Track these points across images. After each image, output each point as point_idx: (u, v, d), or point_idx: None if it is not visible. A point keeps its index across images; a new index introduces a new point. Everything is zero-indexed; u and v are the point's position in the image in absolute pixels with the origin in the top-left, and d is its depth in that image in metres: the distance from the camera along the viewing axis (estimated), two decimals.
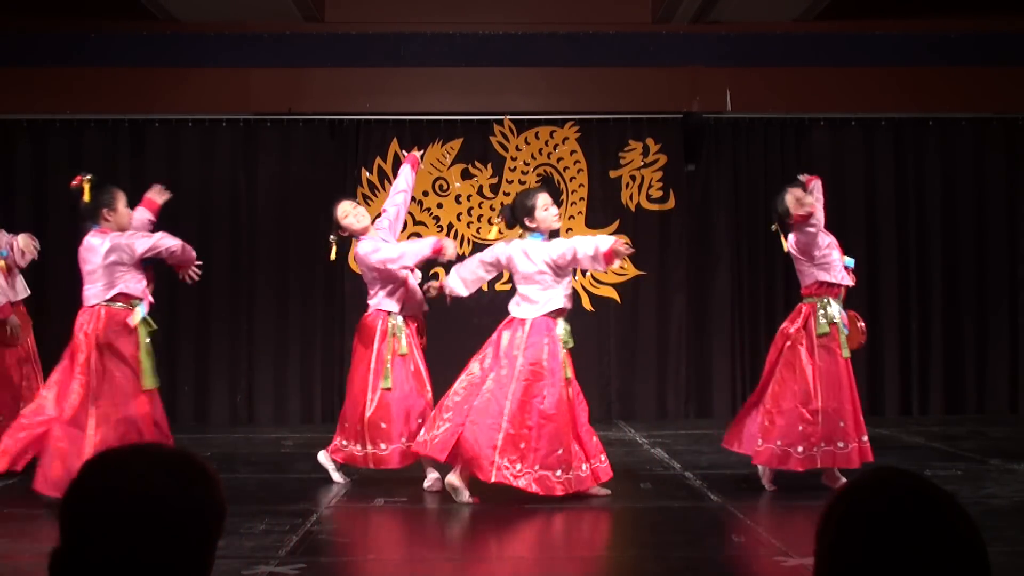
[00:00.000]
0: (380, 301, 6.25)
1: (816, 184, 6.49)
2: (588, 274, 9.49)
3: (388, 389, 6.11)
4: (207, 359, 9.61)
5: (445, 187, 9.71)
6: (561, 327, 5.88)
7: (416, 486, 6.13)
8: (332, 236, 6.48)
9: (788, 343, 6.05)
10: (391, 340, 6.17)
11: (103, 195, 5.91)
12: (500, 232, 6.85)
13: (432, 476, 6.15)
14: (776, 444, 5.91)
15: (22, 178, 9.62)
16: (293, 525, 5.14)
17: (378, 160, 9.67)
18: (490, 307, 9.57)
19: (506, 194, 9.71)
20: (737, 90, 9.72)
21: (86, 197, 5.90)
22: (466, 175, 9.74)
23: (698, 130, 9.77)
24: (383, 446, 6.07)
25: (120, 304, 5.83)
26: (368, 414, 6.10)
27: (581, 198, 9.74)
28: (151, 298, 6.00)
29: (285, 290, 9.71)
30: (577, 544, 5.33)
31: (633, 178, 9.80)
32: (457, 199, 9.76)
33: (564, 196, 9.69)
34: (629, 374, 9.75)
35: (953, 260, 9.88)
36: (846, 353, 5.98)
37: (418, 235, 9.42)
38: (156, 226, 6.31)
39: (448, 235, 9.54)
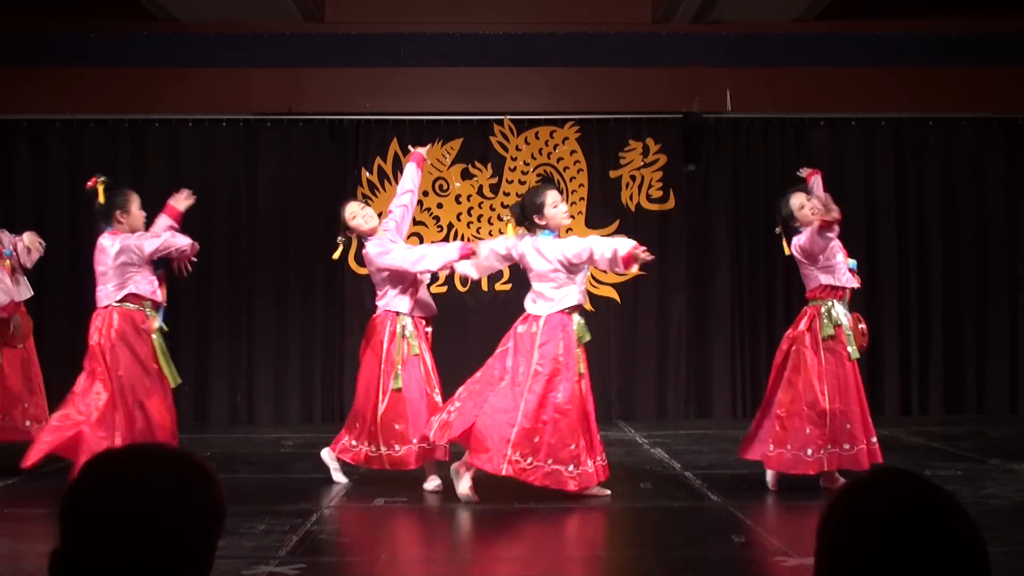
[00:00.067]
0: (389, 302, 6.22)
1: (817, 180, 6.48)
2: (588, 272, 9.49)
3: (398, 390, 6.06)
4: (207, 359, 9.61)
5: (445, 187, 9.71)
6: (576, 322, 5.88)
7: (416, 486, 6.13)
8: (340, 237, 6.47)
9: (793, 347, 6.04)
10: (400, 341, 6.14)
11: (117, 197, 5.97)
12: (515, 229, 6.86)
13: (434, 481, 6.14)
14: (787, 448, 5.89)
15: (22, 178, 9.63)
16: (293, 525, 5.14)
17: (378, 160, 9.67)
18: (490, 307, 9.59)
19: (506, 194, 9.71)
20: (737, 90, 9.72)
21: (100, 199, 5.95)
22: (466, 175, 9.75)
23: (698, 130, 9.77)
24: (397, 447, 6.04)
25: (132, 305, 5.87)
26: (379, 415, 6.07)
27: (581, 198, 9.74)
28: (163, 300, 6.03)
29: (285, 290, 9.71)
30: (577, 544, 5.33)
31: (633, 178, 9.81)
32: (457, 199, 9.76)
33: (564, 196, 9.68)
34: (629, 374, 9.75)
35: (953, 260, 9.88)
36: (854, 355, 5.95)
37: (418, 235, 9.43)
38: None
39: (448, 235, 9.54)
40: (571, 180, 9.72)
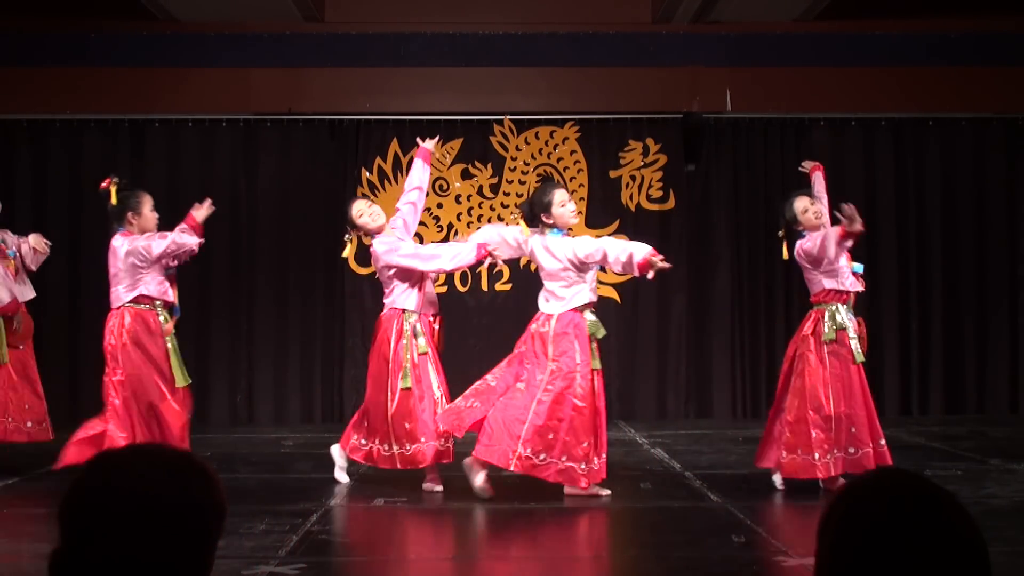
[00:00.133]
0: (395, 299, 6.19)
1: (819, 177, 6.43)
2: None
3: (407, 389, 6.03)
4: (207, 359, 9.61)
5: (445, 187, 9.71)
6: (589, 318, 5.89)
7: (416, 486, 6.13)
8: (347, 236, 6.46)
9: (798, 351, 6.03)
10: (409, 339, 6.10)
11: (129, 199, 5.99)
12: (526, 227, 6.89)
13: (431, 477, 6.14)
14: (797, 454, 5.88)
15: (22, 178, 9.62)
16: (293, 525, 5.14)
17: (378, 160, 9.67)
18: (490, 307, 9.60)
19: (506, 194, 9.72)
20: (737, 90, 9.72)
21: (113, 200, 5.96)
22: (466, 175, 9.75)
23: (698, 130, 9.77)
24: (408, 446, 6.01)
25: (143, 305, 5.88)
26: (391, 414, 6.06)
27: (581, 198, 9.73)
28: (174, 299, 6.06)
29: (285, 290, 9.71)
30: (577, 544, 5.33)
31: (633, 178, 9.81)
32: (457, 199, 9.76)
33: None
34: (629, 374, 9.75)
35: (953, 260, 9.88)
36: (859, 358, 5.92)
37: (419, 235, 9.41)
38: None
39: (448, 235, 9.54)
40: (571, 180, 9.71)
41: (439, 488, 6.08)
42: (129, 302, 5.89)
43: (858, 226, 5.76)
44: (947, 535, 1.38)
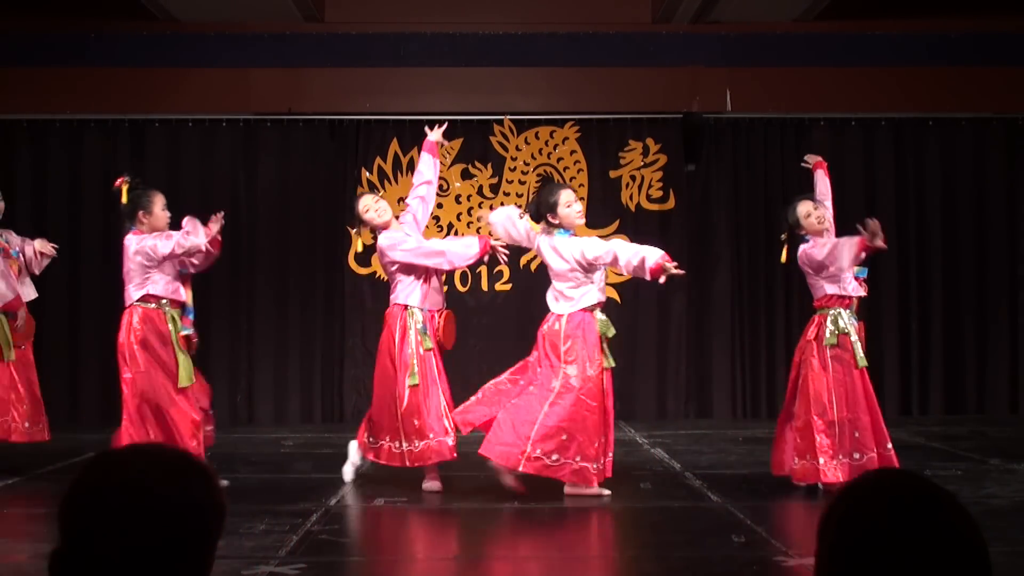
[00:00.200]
0: (399, 295, 6.17)
1: (821, 176, 6.37)
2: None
3: (415, 386, 6.01)
4: (207, 359, 9.57)
5: (445, 187, 9.70)
6: (599, 318, 5.89)
7: (416, 486, 6.13)
8: (355, 230, 6.44)
9: (803, 357, 6.02)
10: (413, 335, 6.08)
11: (141, 198, 6.00)
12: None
13: (433, 481, 6.13)
14: (807, 459, 5.86)
15: (22, 178, 9.62)
16: (293, 525, 5.14)
17: (378, 160, 9.67)
18: (490, 307, 9.60)
19: (506, 194, 9.72)
20: (737, 90, 9.72)
21: (123, 199, 5.97)
22: (466, 175, 9.74)
23: (698, 130, 9.77)
24: (417, 443, 5.98)
25: (151, 304, 5.89)
26: (400, 411, 6.03)
27: (581, 198, 9.70)
28: (187, 299, 6.06)
29: (285, 290, 9.71)
30: (577, 544, 5.33)
31: (633, 178, 9.81)
32: (457, 199, 9.76)
33: None
34: (629, 374, 9.74)
35: (953, 260, 9.88)
36: (861, 363, 5.88)
37: None
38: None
39: (448, 235, 9.53)
40: (571, 180, 9.70)
41: (439, 488, 6.08)
42: (137, 301, 5.91)
43: (880, 243, 5.73)
44: (947, 535, 1.38)
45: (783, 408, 6.23)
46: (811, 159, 6.53)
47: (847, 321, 5.92)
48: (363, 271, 9.65)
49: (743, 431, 8.79)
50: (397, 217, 6.38)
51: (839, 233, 6.17)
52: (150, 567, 1.41)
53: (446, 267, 6.23)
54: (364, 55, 9.65)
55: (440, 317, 6.20)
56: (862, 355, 5.91)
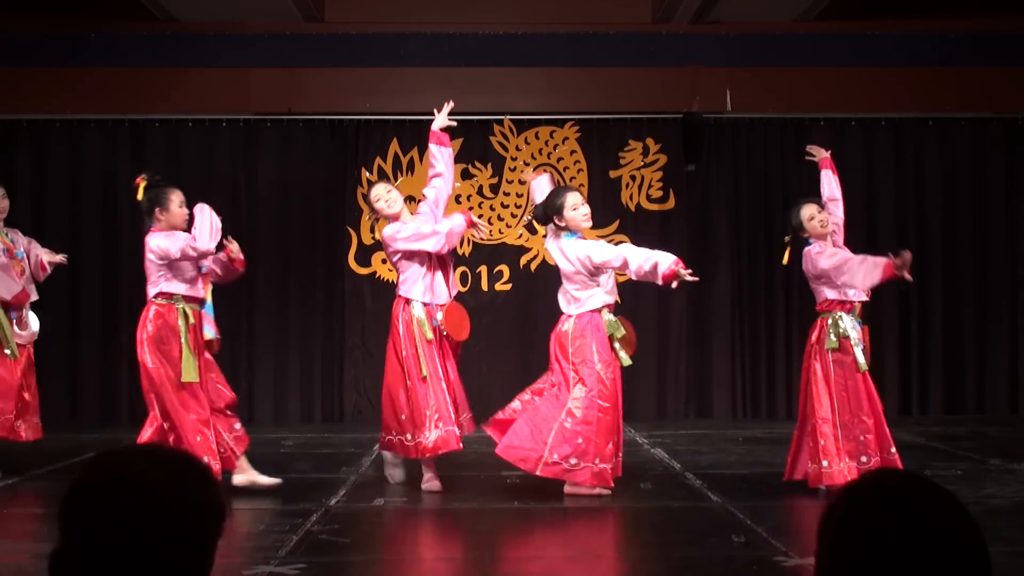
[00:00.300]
0: (401, 287, 6.16)
1: (828, 176, 6.30)
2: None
3: (424, 378, 5.98)
4: None
5: None
6: (607, 318, 5.89)
7: (416, 486, 6.13)
8: (369, 217, 6.44)
9: (808, 362, 6.02)
10: (415, 328, 6.05)
11: (156, 195, 5.99)
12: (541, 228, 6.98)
13: (432, 481, 6.12)
14: (819, 464, 5.85)
15: (22, 178, 9.62)
16: (293, 525, 5.14)
17: (378, 160, 9.67)
18: (490, 307, 9.60)
19: (506, 194, 9.72)
20: (737, 90, 9.72)
21: (139, 196, 5.98)
22: (466, 175, 9.74)
23: (698, 130, 9.77)
24: (426, 434, 5.95)
25: (163, 300, 5.90)
26: (406, 403, 6.02)
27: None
28: (204, 296, 6.08)
29: (285, 290, 9.71)
30: (577, 544, 5.33)
31: (633, 178, 9.81)
32: (457, 199, 9.74)
33: None
34: (629, 374, 9.70)
35: (953, 260, 9.88)
36: (862, 367, 5.86)
37: None
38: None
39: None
40: (571, 180, 9.71)
41: (439, 488, 6.08)
42: (153, 297, 5.92)
43: (906, 274, 5.70)
44: (947, 535, 1.38)
45: (798, 414, 6.21)
46: (816, 152, 6.41)
47: (848, 325, 5.90)
48: (363, 271, 9.65)
49: (743, 431, 8.79)
50: (415, 209, 6.37)
51: (844, 240, 6.14)
52: (150, 567, 1.41)
53: (444, 246, 6.08)
54: (364, 55, 9.65)
55: (439, 310, 6.14)
56: (863, 360, 5.88)
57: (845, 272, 5.80)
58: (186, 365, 5.82)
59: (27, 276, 7.04)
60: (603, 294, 5.91)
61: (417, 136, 9.52)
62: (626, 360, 5.93)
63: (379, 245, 9.37)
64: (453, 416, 5.96)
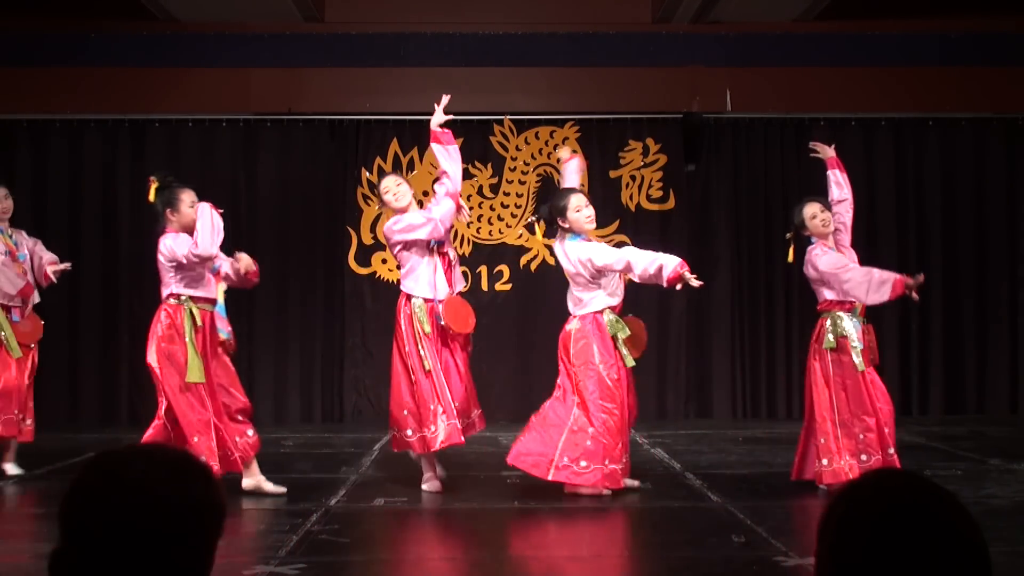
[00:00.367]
0: (402, 283, 6.15)
1: (836, 176, 6.26)
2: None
3: (428, 372, 5.96)
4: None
5: None
6: (609, 318, 5.88)
7: (416, 486, 6.13)
8: (378, 206, 6.46)
9: (810, 362, 6.02)
10: (415, 322, 6.03)
11: (168, 196, 5.98)
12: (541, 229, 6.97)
13: (432, 481, 6.12)
14: (823, 463, 5.85)
15: (22, 178, 9.61)
16: (293, 525, 5.14)
17: (378, 160, 9.67)
18: (490, 307, 9.59)
19: (506, 194, 9.72)
20: (737, 90, 9.72)
21: (151, 197, 5.97)
22: (466, 175, 9.69)
23: (698, 130, 9.77)
24: (428, 429, 5.94)
25: (173, 301, 5.89)
26: (408, 398, 6.01)
27: None
28: (215, 296, 6.08)
29: (285, 289, 9.71)
30: (577, 544, 5.33)
31: (633, 178, 9.80)
32: None
33: None
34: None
35: (953, 260, 9.88)
36: (860, 367, 5.85)
37: None
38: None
39: (447, 235, 9.51)
40: None
41: (439, 488, 6.08)
42: (164, 298, 5.93)
43: (913, 294, 5.70)
44: (947, 535, 1.38)
45: (804, 415, 6.21)
46: (821, 149, 6.31)
47: (847, 325, 5.89)
48: (363, 271, 9.65)
49: (743, 431, 8.79)
50: (421, 204, 6.35)
51: (851, 242, 6.12)
52: (150, 566, 1.41)
53: (438, 231, 6.05)
54: (364, 55, 9.65)
55: (439, 305, 6.09)
56: (860, 360, 5.85)
57: (847, 282, 5.77)
58: (191, 366, 5.82)
59: (29, 277, 7.04)
60: (605, 296, 5.91)
61: (417, 136, 9.52)
62: (630, 360, 5.94)
63: (379, 245, 9.39)
64: (454, 410, 5.96)
